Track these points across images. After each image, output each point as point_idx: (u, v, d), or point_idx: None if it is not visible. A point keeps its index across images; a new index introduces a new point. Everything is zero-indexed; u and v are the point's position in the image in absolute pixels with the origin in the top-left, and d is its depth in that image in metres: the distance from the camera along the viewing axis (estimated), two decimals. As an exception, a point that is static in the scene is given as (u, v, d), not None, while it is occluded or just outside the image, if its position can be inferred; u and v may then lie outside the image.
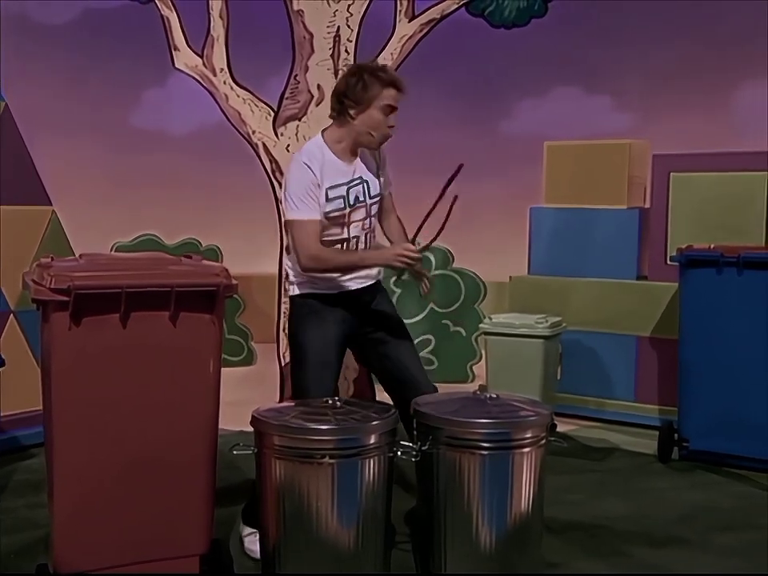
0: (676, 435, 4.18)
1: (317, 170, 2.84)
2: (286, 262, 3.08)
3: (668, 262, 4.51)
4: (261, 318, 6.31)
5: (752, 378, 3.93)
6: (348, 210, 2.89)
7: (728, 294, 3.97)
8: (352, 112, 2.84)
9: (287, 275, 3.06)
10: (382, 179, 3.00)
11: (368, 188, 2.93)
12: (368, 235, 2.98)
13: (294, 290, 3.00)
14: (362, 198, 2.92)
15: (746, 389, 3.95)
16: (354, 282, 2.97)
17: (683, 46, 6.78)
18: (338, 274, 2.94)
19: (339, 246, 2.93)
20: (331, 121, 2.95)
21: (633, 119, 6.96)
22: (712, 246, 4.07)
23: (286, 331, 3.15)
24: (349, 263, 2.91)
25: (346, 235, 2.92)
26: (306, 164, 2.85)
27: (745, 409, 3.95)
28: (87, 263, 2.56)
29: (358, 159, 2.94)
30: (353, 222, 2.92)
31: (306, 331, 2.94)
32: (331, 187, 2.86)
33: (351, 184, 2.90)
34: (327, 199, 2.86)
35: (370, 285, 3.02)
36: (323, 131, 2.96)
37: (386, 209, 3.08)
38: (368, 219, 2.96)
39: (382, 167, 3.01)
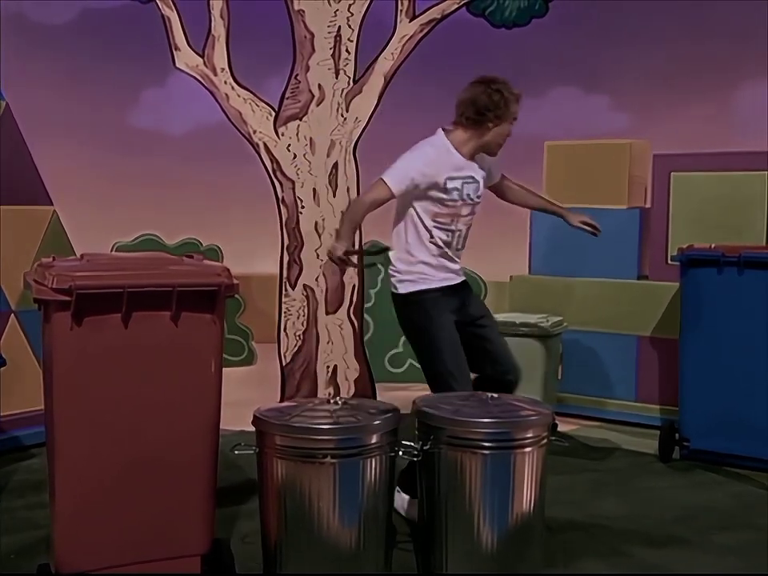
0: (677, 435, 4.18)
1: (429, 165, 3.13)
2: (397, 262, 3.26)
3: (669, 262, 4.51)
4: (261, 318, 6.31)
5: (753, 378, 3.93)
6: (460, 203, 3.19)
7: (729, 293, 3.96)
8: (490, 125, 3.16)
9: (397, 273, 3.26)
10: (484, 180, 3.29)
11: (477, 189, 3.24)
12: (467, 231, 3.28)
13: (407, 288, 3.23)
14: (472, 197, 3.21)
15: (746, 389, 3.94)
16: (453, 278, 3.28)
17: (683, 46, 6.78)
18: (438, 272, 3.23)
19: (450, 234, 3.21)
20: (456, 126, 3.22)
21: (633, 119, 6.95)
22: (713, 246, 4.07)
23: (406, 329, 3.32)
24: (343, 223, 3.26)
25: (454, 227, 3.22)
26: (429, 153, 3.16)
27: (745, 409, 3.94)
28: (89, 263, 2.56)
29: (476, 164, 3.24)
30: (461, 216, 3.21)
31: (433, 322, 3.18)
32: (450, 178, 3.14)
33: (467, 180, 3.20)
34: (446, 188, 3.14)
35: (463, 281, 3.36)
36: (445, 131, 3.23)
37: (507, 186, 3.47)
38: (470, 217, 3.26)
39: (485, 168, 3.29)
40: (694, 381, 4.08)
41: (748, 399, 3.94)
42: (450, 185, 3.14)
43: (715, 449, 4.04)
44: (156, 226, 6.40)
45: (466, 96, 3.19)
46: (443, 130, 3.23)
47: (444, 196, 3.15)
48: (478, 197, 3.26)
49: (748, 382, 3.94)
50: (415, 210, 3.18)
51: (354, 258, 3.31)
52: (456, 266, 3.30)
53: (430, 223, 3.18)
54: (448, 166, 3.14)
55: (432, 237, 3.20)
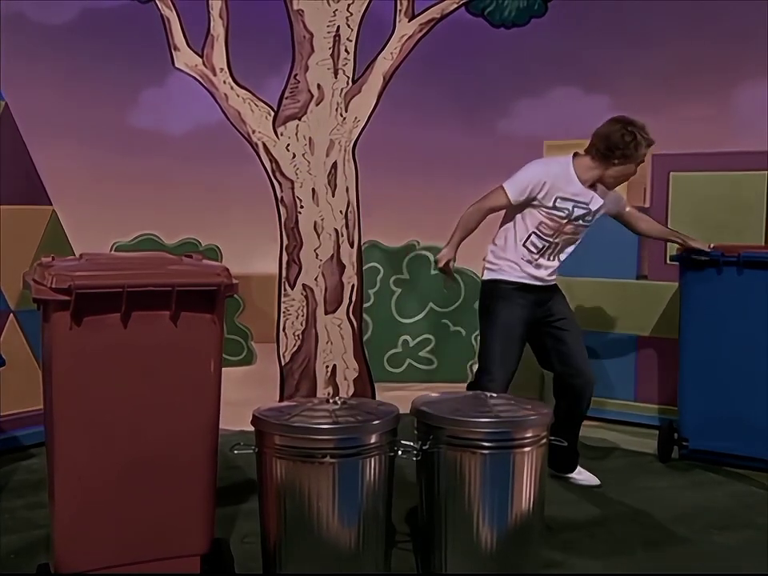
0: (676, 435, 4.18)
1: (551, 178, 3.42)
2: (489, 254, 3.59)
3: (668, 262, 4.51)
4: (260, 317, 6.31)
5: (752, 378, 3.91)
6: (566, 221, 3.46)
7: (728, 293, 3.94)
8: (616, 161, 3.44)
9: (486, 262, 3.59)
10: (599, 209, 3.56)
11: (588, 215, 3.51)
12: (563, 247, 3.56)
13: (487, 276, 3.57)
14: (579, 220, 3.49)
15: (746, 388, 3.92)
16: (533, 280, 3.52)
17: (683, 46, 6.78)
18: (519, 270, 3.51)
19: (545, 245, 3.49)
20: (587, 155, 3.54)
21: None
22: (712, 246, 4.07)
23: (478, 315, 3.62)
24: (457, 229, 3.50)
25: (554, 239, 3.50)
26: (552, 168, 3.48)
27: (745, 408, 3.92)
28: (88, 263, 2.56)
29: (595, 193, 3.52)
30: (563, 233, 3.49)
31: (495, 312, 3.50)
32: (562, 198, 3.43)
33: (578, 204, 3.47)
34: (554, 205, 3.43)
35: (547, 285, 3.59)
36: (575, 155, 3.55)
37: (631, 218, 3.79)
38: (573, 237, 3.55)
39: (606, 200, 3.58)
40: (693, 381, 4.07)
41: (747, 399, 3.92)
42: (559, 204, 3.42)
43: (714, 449, 4.03)
44: (155, 225, 6.40)
45: (602, 130, 3.48)
46: (575, 154, 3.54)
47: (553, 211, 3.43)
48: (586, 222, 3.52)
49: (747, 382, 3.92)
50: (523, 213, 3.46)
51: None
52: (540, 273, 3.54)
53: (531, 228, 3.45)
54: (563, 188, 3.42)
55: (527, 240, 3.47)
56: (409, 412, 2.80)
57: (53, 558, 2.57)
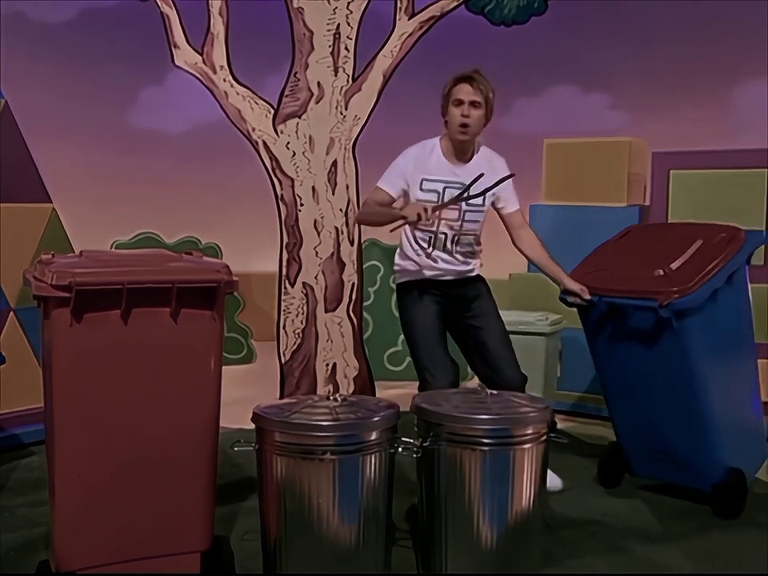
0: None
1: (412, 161, 3.25)
2: (397, 251, 3.45)
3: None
4: (261, 315, 6.31)
5: (668, 411, 3.42)
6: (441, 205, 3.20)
7: (617, 333, 3.44)
8: (446, 117, 3.26)
9: (395, 263, 3.46)
10: (492, 195, 3.31)
11: (467, 194, 3.21)
12: (457, 237, 3.31)
13: (397, 280, 3.45)
14: (459, 201, 3.22)
15: (662, 419, 3.46)
16: (440, 274, 3.34)
17: (682, 44, 6.78)
18: (422, 267, 3.33)
19: (431, 236, 3.29)
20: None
21: (632, 117, 6.95)
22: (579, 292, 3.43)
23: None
24: (380, 213, 3.25)
25: (434, 228, 3.27)
26: (409, 153, 3.29)
27: (668, 439, 3.46)
28: (88, 260, 2.56)
29: (473, 169, 3.25)
30: (443, 218, 3.25)
31: (410, 314, 3.35)
32: (426, 180, 3.23)
33: (451, 185, 3.23)
34: (421, 189, 3.23)
35: (461, 279, 3.38)
36: (443, 136, 3.32)
37: (514, 225, 3.45)
38: (460, 222, 3.28)
39: (498, 185, 3.28)
40: (617, 410, 3.65)
41: (668, 430, 3.45)
42: (426, 186, 3.22)
43: (654, 476, 3.64)
44: (155, 224, 6.39)
45: None
46: (444, 135, 3.31)
47: (421, 196, 3.22)
48: (469, 203, 3.26)
49: (666, 415, 3.44)
50: None
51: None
52: (446, 266, 3.34)
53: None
54: (428, 168, 3.23)
55: (414, 235, 3.31)
56: (409, 409, 2.80)
57: (53, 555, 2.57)
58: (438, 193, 3.23)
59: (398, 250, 3.45)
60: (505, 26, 4.82)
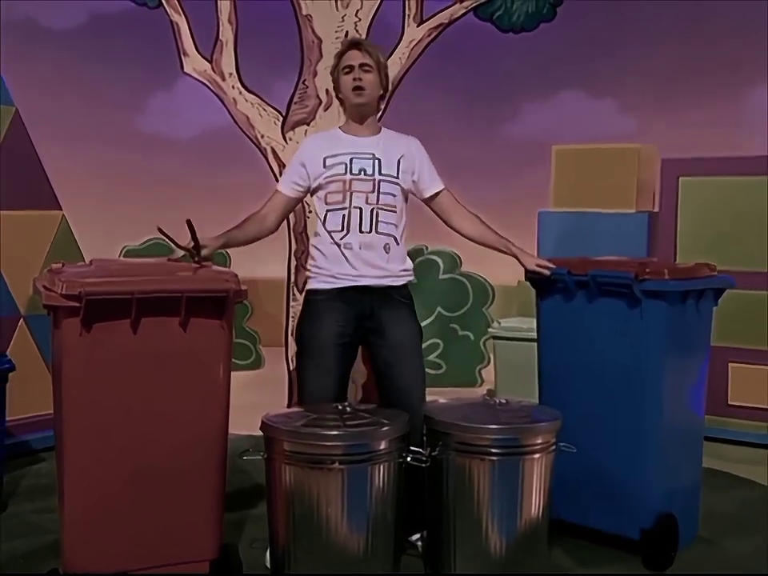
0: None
1: (308, 148, 3.08)
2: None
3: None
4: (269, 321, 6.31)
5: (614, 432, 3.02)
6: (349, 177, 2.97)
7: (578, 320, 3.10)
8: (336, 90, 3.10)
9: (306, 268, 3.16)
10: (403, 168, 3.03)
11: (379, 165, 2.99)
12: (374, 211, 2.97)
13: (307, 287, 3.09)
14: (369, 171, 2.98)
15: (607, 445, 3.03)
16: (345, 279, 2.97)
17: (690, 49, 6.77)
18: (333, 272, 2.98)
19: (342, 214, 2.96)
20: None
21: (640, 122, 6.94)
22: (544, 266, 3.13)
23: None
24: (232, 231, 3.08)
25: (347, 204, 2.96)
26: (304, 143, 3.19)
27: (604, 469, 3.03)
28: (98, 269, 2.57)
29: (380, 141, 3.05)
30: (355, 191, 2.97)
31: (304, 327, 3.04)
32: (330, 156, 3.00)
33: (358, 155, 3.00)
34: (325, 166, 3.00)
35: (376, 287, 2.98)
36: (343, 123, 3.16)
37: (446, 208, 3.14)
38: (375, 194, 2.98)
39: (410, 158, 3.06)
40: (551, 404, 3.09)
41: (605, 437, 3.02)
42: (329, 162, 2.99)
43: (576, 521, 3.10)
44: (165, 229, 6.40)
45: None
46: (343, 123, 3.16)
47: (327, 173, 2.98)
48: (384, 174, 2.98)
49: (609, 437, 3.01)
50: (314, 199, 3.06)
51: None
52: (359, 265, 2.95)
53: (323, 206, 2.99)
54: (329, 147, 3.02)
55: (325, 221, 2.98)
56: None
57: (62, 562, 2.57)
58: (345, 164, 2.97)
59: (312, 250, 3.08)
60: (513, 33, 4.81)
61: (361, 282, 2.97)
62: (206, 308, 2.53)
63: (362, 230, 2.96)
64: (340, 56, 3.07)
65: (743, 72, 6.72)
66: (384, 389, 3.03)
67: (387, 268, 3.00)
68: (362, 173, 2.98)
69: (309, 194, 3.11)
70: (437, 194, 3.12)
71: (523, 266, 3.19)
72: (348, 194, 2.97)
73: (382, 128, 3.14)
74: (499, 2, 4.75)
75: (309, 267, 3.08)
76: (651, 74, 6.86)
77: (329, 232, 2.98)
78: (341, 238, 2.96)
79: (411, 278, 3.10)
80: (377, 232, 2.97)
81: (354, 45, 3.09)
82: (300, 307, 4.64)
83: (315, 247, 3.05)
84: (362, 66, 3.01)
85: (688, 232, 4.73)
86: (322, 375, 2.95)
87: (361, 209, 2.96)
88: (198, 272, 2.66)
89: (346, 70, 3.03)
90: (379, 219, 2.97)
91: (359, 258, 2.96)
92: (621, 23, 6.85)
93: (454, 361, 5.93)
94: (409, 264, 3.09)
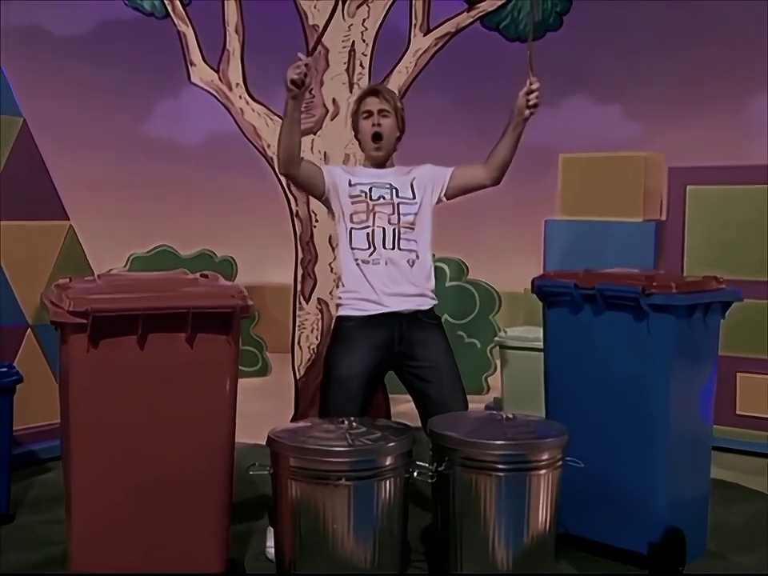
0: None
1: (336, 167, 3.41)
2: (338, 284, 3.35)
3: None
4: (275, 328, 6.32)
5: (621, 447, 3.01)
6: (371, 202, 3.21)
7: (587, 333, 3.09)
8: (355, 131, 3.36)
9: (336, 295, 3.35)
10: (417, 186, 3.27)
11: (396, 191, 3.23)
12: (396, 230, 3.19)
13: (338, 312, 3.25)
14: (387, 197, 3.21)
15: (615, 460, 3.02)
16: (375, 306, 3.12)
17: (697, 55, 6.75)
18: (362, 297, 3.13)
19: (366, 232, 3.19)
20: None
21: (646, 129, 6.93)
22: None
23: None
24: (283, 124, 3.12)
25: (370, 223, 3.19)
26: (333, 165, 3.55)
27: (613, 484, 3.02)
28: (105, 285, 2.58)
29: (395, 172, 3.32)
30: (378, 212, 3.20)
31: (332, 354, 3.16)
32: (353, 180, 3.25)
33: (377, 185, 3.25)
34: (350, 185, 3.23)
35: (406, 313, 3.13)
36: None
37: (464, 173, 3.35)
38: (396, 215, 3.20)
39: (421, 177, 3.30)
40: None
41: (612, 450, 3.01)
42: (354, 181, 3.24)
43: (585, 535, 3.09)
44: (171, 236, 6.43)
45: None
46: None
47: (352, 191, 3.22)
48: (401, 196, 3.21)
49: (617, 452, 3.00)
50: (336, 218, 3.26)
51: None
52: (388, 286, 3.10)
53: (347, 224, 3.19)
54: (352, 174, 3.29)
55: (351, 239, 3.18)
56: (425, 433, 2.79)
57: (69, 574, 2.58)
58: (366, 192, 3.21)
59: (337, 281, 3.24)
60: (520, 42, 4.80)
61: (389, 308, 3.11)
62: (213, 324, 2.54)
63: (386, 246, 3.16)
64: (359, 101, 3.33)
65: (750, 80, 6.70)
66: (424, 408, 3.11)
67: (414, 284, 3.16)
68: (381, 198, 3.21)
69: (319, 199, 3.31)
70: (451, 176, 3.31)
71: (520, 116, 3.37)
72: (372, 214, 3.19)
73: (395, 165, 3.38)
74: (506, 12, 4.74)
75: (339, 295, 3.25)
76: (658, 81, 6.84)
77: (353, 249, 3.17)
78: (369, 255, 3.15)
79: (436, 301, 3.24)
80: (399, 248, 3.16)
81: (372, 92, 3.35)
82: (307, 317, 4.70)
83: (342, 271, 3.25)
84: (380, 111, 3.25)
85: (695, 241, 4.72)
86: (345, 401, 3.04)
87: (384, 228, 3.18)
88: (204, 287, 2.66)
89: (365, 114, 3.27)
90: (401, 237, 3.18)
91: (386, 277, 3.13)
92: (627, 32, 6.84)
93: (461, 368, 5.88)
94: (433, 283, 3.23)
